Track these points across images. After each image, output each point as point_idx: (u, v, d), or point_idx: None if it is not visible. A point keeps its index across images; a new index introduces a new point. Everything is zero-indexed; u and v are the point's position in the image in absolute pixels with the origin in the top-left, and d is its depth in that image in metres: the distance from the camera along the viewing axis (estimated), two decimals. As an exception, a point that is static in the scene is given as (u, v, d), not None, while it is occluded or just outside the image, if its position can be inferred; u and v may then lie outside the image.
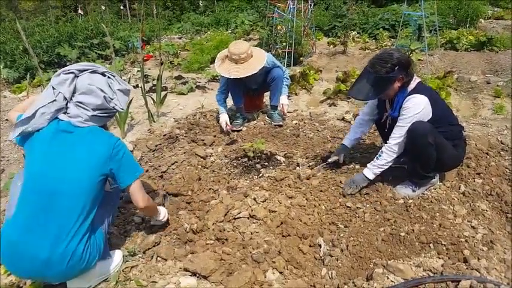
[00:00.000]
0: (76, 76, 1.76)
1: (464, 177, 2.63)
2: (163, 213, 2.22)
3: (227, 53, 3.53)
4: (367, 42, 9.48)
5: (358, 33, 10.51)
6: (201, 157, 3.23)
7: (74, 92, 1.75)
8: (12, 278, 1.93)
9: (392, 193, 2.49)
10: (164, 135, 3.71)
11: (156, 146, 3.55)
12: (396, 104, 2.36)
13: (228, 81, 3.68)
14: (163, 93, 4.48)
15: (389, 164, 2.44)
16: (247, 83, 3.78)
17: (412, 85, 2.33)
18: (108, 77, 1.85)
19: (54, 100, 1.71)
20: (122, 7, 15.14)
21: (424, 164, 2.35)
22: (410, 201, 2.39)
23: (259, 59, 3.54)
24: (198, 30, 12.89)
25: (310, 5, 7.78)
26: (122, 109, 1.86)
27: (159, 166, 3.14)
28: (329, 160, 2.89)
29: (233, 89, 3.83)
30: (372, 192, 2.53)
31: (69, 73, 1.75)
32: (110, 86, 1.82)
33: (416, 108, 2.25)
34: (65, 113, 1.75)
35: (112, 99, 1.81)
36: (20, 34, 8.52)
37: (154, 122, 4.28)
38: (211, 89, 5.66)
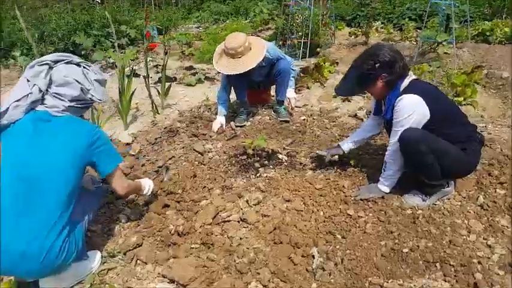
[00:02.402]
0: (51, 67, 1.72)
1: (484, 187, 2.34)
2: (147, 187, 2.21)
3: (223, 47, 3.30)
4: (391, 33, 9.01)
5: (382, 23, 10.03)
6: (199, 153, 3.07)
7: (50, 83, 1.70)
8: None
9: (400, 202, 2.25)
10: (165, 128, 3.56)
11: (156, 139, 3.41)
12: (388, 105, 2.16)
13: (229, 76, 3.42)
14: (167, 84, 4.32)
15: (399, 172, 2.23)
16: (250, 77, 3.51)
17: (406, 82, 2.11)
18: (84, 67, 1.80)
19: (30, 93, 1.66)
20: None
21: (425, 173, 2.12)
22: (419, 212, 2.14)
23: (258, 53, 3.27)
24: (216, 20, 12.68)
25: (331, -7, 7.43)
26: (99, 100, 1.82)
27: (156, 161, 3.01)
28: (317, 152, 2.75)
29: (235, 84, 3.59)
30: (377, 200, 2.30)
31: (43, 64, 1.70)
32: (86, 77, 1.77)
33: (408, 110, 2.02)
34: (42, 104, 1.71)
35: (89, 90, 1.77)
36: (38, 21, 8.59)
37: (159, 113, 4.15)
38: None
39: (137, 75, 5.69)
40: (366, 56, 2.11)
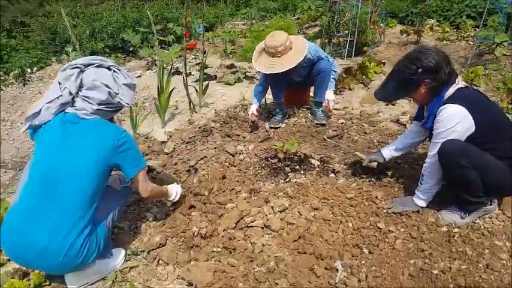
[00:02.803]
0: (82, 71, 1.76)
1: (533, 207, 2.14)
2: (174, 193, 2.24)
3: (263, 46, 3.26)
4: (447, 32, 8.48)
5: (438, 21, 9.47)
6: (231, 154, 3.07)
7: (80, 86, 1.75)
8: (15, 265, 1.95)
9: (436, 218, 2.09)
10: (199, 128, 3.61)
11: (190, 138, 3.46)
12: (429, 113, 2.03)
13: (268, 74, 3.38)
14: (205, 83, 4.37)
15: (437, 186, 2.09)
16: (289, 76, 3.44)
17: (451, 91, 1.96)
18: (114, 71, 1.83)
19: (60, 95, 1.73)
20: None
21: (465, 188, 1.95)
22: (456, 230, 1.99)
23: (298, 53, 3.20)
24: (263, 16, 12.65)
25: (381, -10, 7.13)
26: (127, 104, 1.83)
27: (188, 160, 3.05)
28: (356, 153, 2.70)
29: (273, 82, 3.54)
30: (411, 214, 2.16)
31: (74, 68, 1.75)
32: (115, 80, 1.80)
33: (450, 122, 1.88)
34: (71, 106, 1.76)
35: (117, 94, 1.80)
36: (90, 18, 9.02)
37: (196, 112, 4.21)
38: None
39: (179, 73, 5.84)
40: (409, 60, 1.99)
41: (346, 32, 6.37)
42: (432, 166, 2.02)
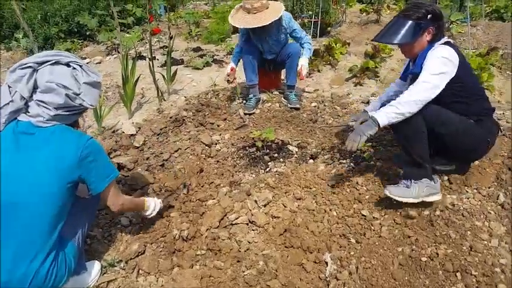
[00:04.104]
0: (35, 70, 1.50)
1: (505, 183, 2.21)
2: (151, 208, 2.00)
3: (241, 4, 3.32)
4: (404, 9, 8.68)
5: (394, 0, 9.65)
6: (206, 145, 2.97)
7: (34, 88, 1.50)
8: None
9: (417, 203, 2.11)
10: (170, 118, 3.45)
11: (161, 129, 3.30)
12: (419, 59, 2.06)
13: (244, 46, 3.56)
14: (173, 69, 4.17)
15: (410, 111, 1.87)
16: (262, 50, 3.58)
17: (441, 41, 2.05)
18: (74, 68, 1.55)
19: (11, 101, 1.47)
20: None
21: (415, 146, 1.99)
22: (438, 213, 2.03)
23: (274, 12, 3.27)
24: (226, -4, 12.29)
25: (342, -31, 7.08)
26: (90, 105, 1.58)
27: (161, 153, 2.91)
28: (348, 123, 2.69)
29: (247, 60, 3.53)
30: (392, 201, 2.17)
31: (26, 67, 1.48)
32: (75, 79, 1.54)
33: (440, 54, 1.94)
34: (25, 112, 1.51)
35: (78, 95, 1.54)
36: (42, 1, 8.35)
37: (165, 100, 4.02)
38: (229, 63, 5.29)
39: (143, 58, 5.55)
40: (418, 6, 2.03)
41: (310, 13, 6.31)
42: (409, 99, 1.87)
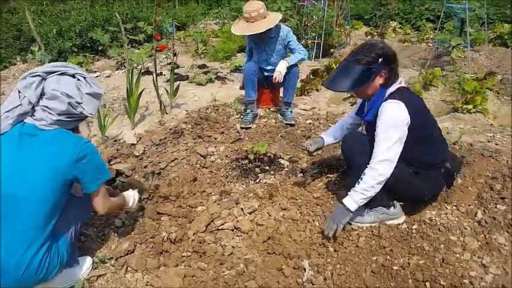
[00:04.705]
0: (43, 79, 1.67)
1: (485, 202, 2.29)
2: (131, 200, 2.11)
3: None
4: (409, 34, 8.86)
5: (400, 23, 9.86)
6: (202, 156, 3.10)
7: (42, 95, 1.66)
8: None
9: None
10: (170, 129, 3.60)
11: (161, 140, 3.45)
12: (371, 106, 2.02)
13: (247, 63, 3.87)
14: (176, 84, 4.35)
15: (376, 190, 1.96)
16: (260, 63, 3.83)
17: (393, 88, 2.00)
18: (78, 79, 1.73)
19: (19, 105, 1.63)
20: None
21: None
22: (415, 227, 2.12)
23: (269, 21, 3.51)
24: (235, 16, 12.67)
25: (346, -7, 7.33)
26: (90, 114, 1.74)
27: (159, 162, 3.05)
28: (304, 144, 2.54)
29: (248, 77, 3.74)
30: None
31: (35, 76, 1.65)
32: (79, 89, 1.71)
33: (392, 118, 1.90)
34: (31, 116, 1.67)
35: (80, 104, 1.70)
36: (58, 17, 8.73)
37: (167, 113, 4.19)
38: (232, 81, 5.49)
39: (150, 73, 5.77)
40: (368, 50, 1.94)
41: (314, 34, 6.52)
42: (378, 166, 1.92)
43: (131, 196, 2.12)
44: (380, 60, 1.91)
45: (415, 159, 2.04)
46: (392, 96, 1.97)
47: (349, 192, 2.04)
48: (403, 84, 2.05)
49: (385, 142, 1.90)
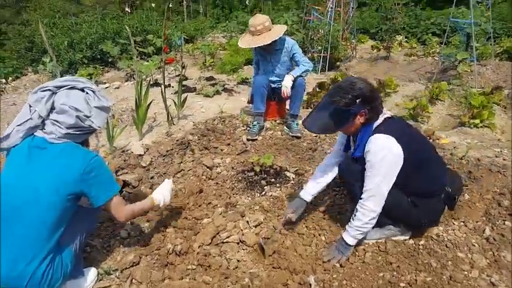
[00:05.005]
0: (54, 93, 1.71)
1: (493, 218, 2.27)
2: (161, 201, 2.06)
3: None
4: (415, 47, 8.91)
5: (406, 37, 9.92)
6: (208, 167, 3.11)
7: (52, 109, 1.70)
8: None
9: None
10: (177, 141, 3.63)
11: (167, 151, 3.47)
12: (359, 142, 1.95)
13: (256, 76, 3.93)
14: (184, 96, 4.40)
15: (371, 224, 1.95)
16: (266, 74, 3.87)
17: (379, 121, 1.92)
18: (87, 93, 1.76)
19: (30, 118, 1.68)
20: (169, 5, 15.42)
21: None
22: (422, 243, 2.10)
23: (274, 33, 3.59)
24: (242, 30, 12.83)
25: (352, 8, 7.39)
26: (98, 127, 1.77)
27: (165, 173, 3.07)
28: (284, 218, 2.27)
29: (258, 89, 3.79)
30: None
31: (45, 90, 1.70)
32: (87, 103, 1.74)
33: (381, 152, 1.82)
34: (42, 129, 1.71)
35: (88, 117, 1.73)
36: (70, 29, 8.90)
37: (174, 124, 4.22)
38: (238, 93, 5.54)
39: (159, 85, 5.85)
40: (344, 91, 1.85)
41: (320, 47, 6.58)
42: (368, 203, 1.90)
43: (160, 195, 2.08)
44: (358, 101, 1.83)
45: (413, 187, 1.99)
46: (379, 129, 1.89)
47: (347, 227, 2.02)
48: (388, 115, 1.96)
49: (374, 178, 1.86)
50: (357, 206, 1.94)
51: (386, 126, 1.89)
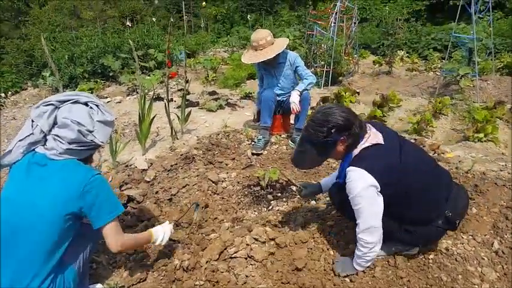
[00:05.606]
0: (57, 108, 1.67)
1: (501, 232, 2.25)
2: (160, 238, 1.97)
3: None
4: (416, 63, 9.00)
5: (407, 52, 10.02)
6: (213, 182, 3.10)
7: (54, 124, 1.66)
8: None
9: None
10: (181, 155, 3.63)
11: (172, 166, 3.47)
12: (341, 169, 1.96)
13: (263, 91, 3.90)
14: (187, 110, 4.42)
15: (374, 253, 1.94)
16: (271, 87, 3.90)
17: (357, 151, 1.89)
18: (91, 107, 1.71)
19: (31, 133, 1.64)
20: (171, 19, 15.63)
21: None
22: (431, 257, 2.08)
23: (277, 47, 3.63)
24: (244, 45, 12.97)
25: (354, 23, 7.50)
26: (101, 142, 1.71)
27: (170, 188, 3.06)
28: (299, 192, 2.43)
29: (266, 103, 3.80)
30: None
31: (48, 105, 1.66)
32: (90, 117, 1.69)
33: (355, 188, 1.80)
34: (43, 145, 1.67)
35: (91, 132, 1.67)
36: (70, 43, 8.98)
37: (178, 139, 4.23)
38: (242, 107, 5.56)
39: (161, 99, 5.87)
40: (318, 124, 1.87)
41: (323, 62, 6.64)
42: (364, 236, 1.89)
43: (160, 233, 1.98)
44: (333, 131, 1.85)
45: (405, 216, 1.95)
46: (354, 161, 1.87)
47: (354, 254, 2.01)
48: (369, 142, 1.88)
49: (360, 213, 1.85)
50: (357, 237, 1.93)
51: (362, 157, 1.86)
